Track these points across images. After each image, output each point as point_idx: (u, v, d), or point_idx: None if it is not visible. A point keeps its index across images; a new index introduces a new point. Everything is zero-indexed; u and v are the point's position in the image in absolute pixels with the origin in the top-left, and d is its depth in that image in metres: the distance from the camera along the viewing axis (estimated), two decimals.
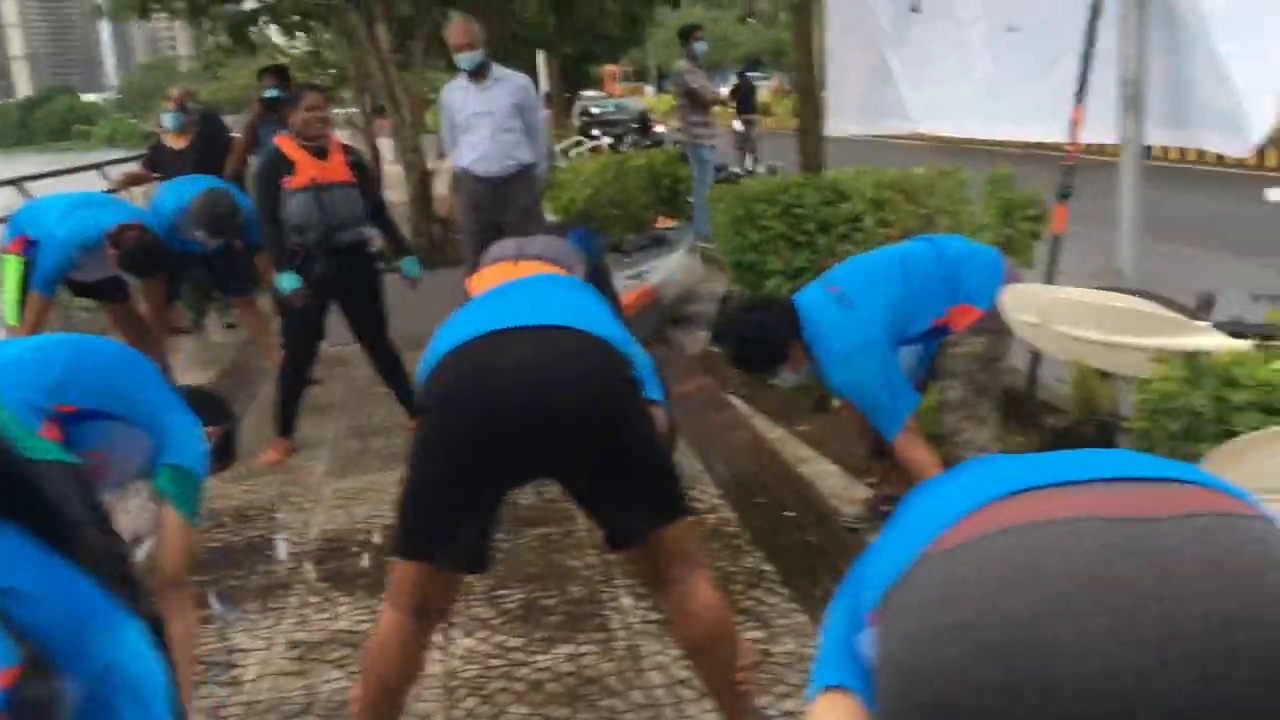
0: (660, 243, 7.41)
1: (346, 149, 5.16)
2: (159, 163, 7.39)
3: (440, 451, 2.17)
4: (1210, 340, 2.36)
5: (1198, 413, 2.28)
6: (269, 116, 7.36)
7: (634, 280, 6.72)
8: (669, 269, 6.70)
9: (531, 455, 2.16)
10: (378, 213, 5.16)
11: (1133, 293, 2.67)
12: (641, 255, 7.31)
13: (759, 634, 3.18)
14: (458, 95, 6.14)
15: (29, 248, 5.03)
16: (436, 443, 2.18)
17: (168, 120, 7.52)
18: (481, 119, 6.04)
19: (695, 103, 9.67)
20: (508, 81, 6.06)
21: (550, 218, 12.06)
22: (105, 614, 1.23)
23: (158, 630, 2.43)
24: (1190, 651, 0.96)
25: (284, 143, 4.99)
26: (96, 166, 7.92)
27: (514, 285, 2.50)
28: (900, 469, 3.38)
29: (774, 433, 4.93)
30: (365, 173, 5.16)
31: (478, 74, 6.02)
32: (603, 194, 9.79)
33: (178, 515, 2.56)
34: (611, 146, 14.96)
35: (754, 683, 2.54)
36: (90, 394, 2.45)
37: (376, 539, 4.12)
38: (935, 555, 1.05)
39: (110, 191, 7.61)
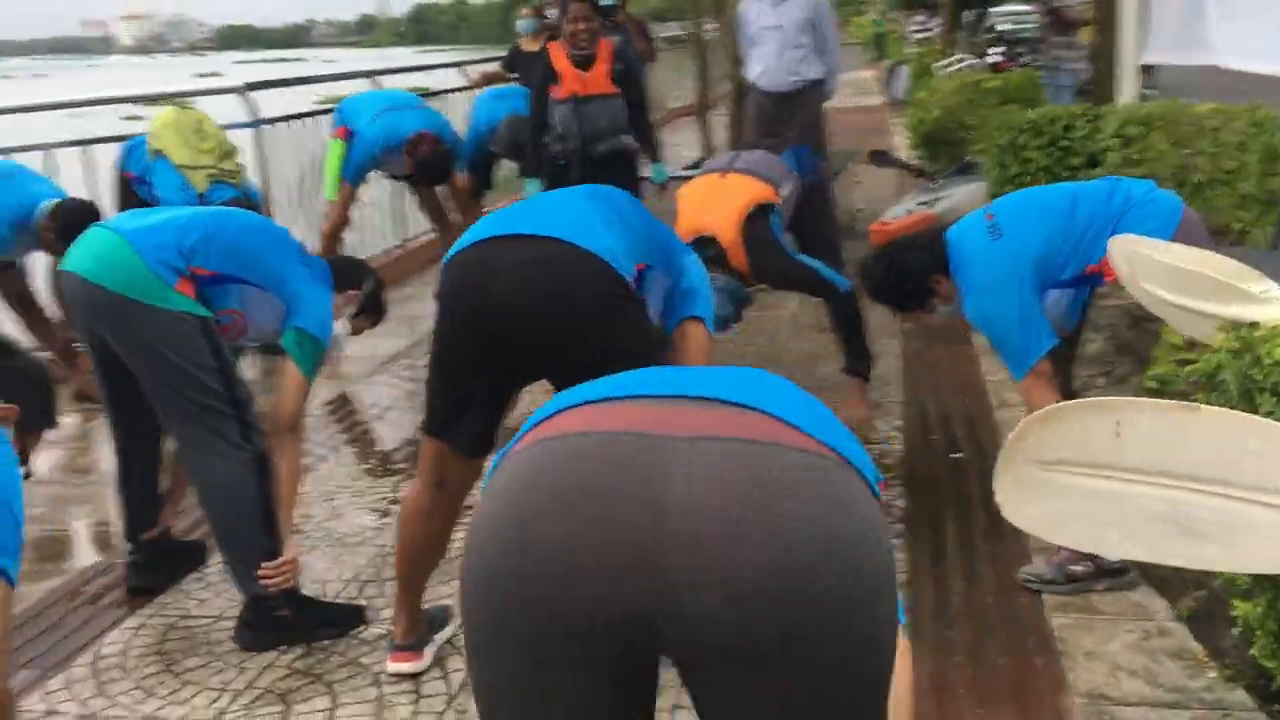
0: (968, 170, 7.13)
1: (617, 56, 5.39)
2: (515, 64, 8.03)
3: (440, 342, 2.42)
4: (1267, 312, 2.11)
5: (1228, 388, 2.08)
6: (602, 25, 7.73)
7: (922, 206, 6.56)
8: (959, 198, 6.47)
9: (510, 353, 2.35)
10: (636, 118, 5.37)
11: (1242, 257, 2.41)
12: (946, 182, 7.09)
13: None
14: (752, 8, 6.22)
15: (349, 137, 5.73)
16: (438, 334, 2.43)
17: (522, 25, 8.14)
18: (770, 33, 6.08)
19: (1059, 21, 9.06)
20: None
21: (901, 137, 11.81)
22: None
23: (263, 467, 2.90)
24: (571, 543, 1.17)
25: (554, 52, 5.33)
26: (457, 65, 8.67)
27: (545, 196, 2.67)
28: None
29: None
30: (631, 81, 5.39)
31: None
32: (953, 116, 9.46)
33: (297, 372, 2.98)
34: (995, 67, 14.21)
35: None
36: (225, 260, 2.91)
37: None
38: (510, 453, 1.24)
39: (468, 88, 8.35)
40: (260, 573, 2.89)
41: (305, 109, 6.38)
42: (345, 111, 5.82)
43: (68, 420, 4.83)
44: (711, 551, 1.13)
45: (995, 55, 16.19)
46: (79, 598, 3.26)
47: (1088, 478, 1.49)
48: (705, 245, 4.14)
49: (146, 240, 2.86)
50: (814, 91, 6.11)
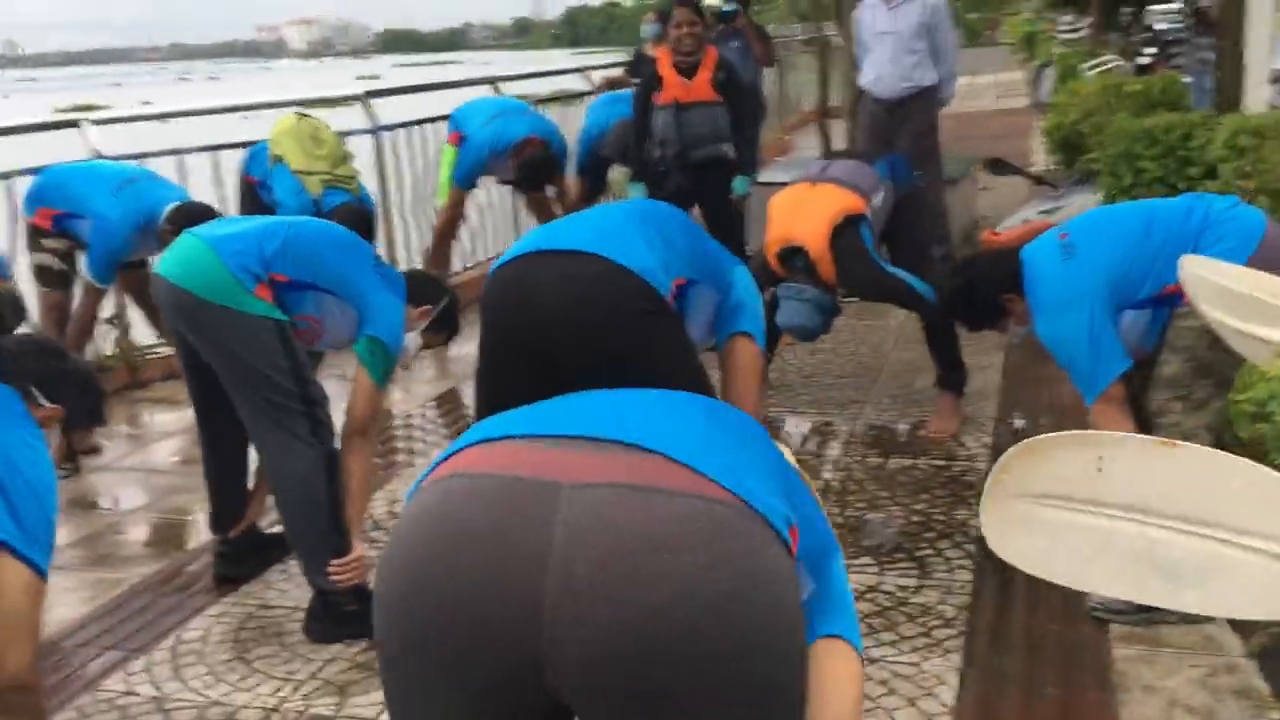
0: (1092, 179, 6.88)
1: (720, 64, 5.39)
2: (637, 70, 8.11)
3: (484, 355, 2.48)
4: None
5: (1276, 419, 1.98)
6: (722, 30, 7.74)
7: (1042, 215, 6.37)
8: (1078, 208, 6.25)
9: (549, 365, 2.39)
10: (736, 126, 5.37)
11: None
12: (1068, 191, 6.86)
13: (909, 581, 3.16)
14: (868, 13, 6.15)
15: (461, 143, 5.88)
16: (482, 346, 2.49)
17: (646, 30, 8.21)
18: (884, 39, 6.00)
19: (1202, 22, 8.67)
20: (918, 1, 5.94)
21: (1039, 140, 11.45)
22: None
23: (333, 465, 3.01)
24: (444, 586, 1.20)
25: (660, 58, 5.38)
26: (579, 70, 8.79)
27: (589, 212, 2.70)
28: None
29: None
30: (735, 89, 5.39)
31: None
32: (1091, 120, 9.15)
33: (368, 379, 3.08)
34: (1145, 69, 13.66)
35: None
36: (302, 268, 3.03)
37: None
38: (421, 486, 1.28)
39: (590, 93, 8.46)
40: (329, 568, 3.01)
41: (424, 115, 6.54)
42: (458, 117, 5.97)
43: (189, 413, 5.09)
44: (587, 609, 1.13)
45: (1146, 56, 15.60)
46: (170, 584, 3.44)
47: (1070, 512, 1.45)
48: (794, 255, 4.14)
49: (229, 247, 3.00)
50: (928, 98, 5.99)
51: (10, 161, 5.18)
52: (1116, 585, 1.48)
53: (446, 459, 1.30)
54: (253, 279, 2.97)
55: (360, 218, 4.93)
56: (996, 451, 4.10)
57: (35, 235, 4.67)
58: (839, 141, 8.75)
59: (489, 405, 2.54)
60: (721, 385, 2.62)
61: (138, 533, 3.92)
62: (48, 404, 1.92)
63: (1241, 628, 2.78)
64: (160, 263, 3.09)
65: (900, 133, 5.96)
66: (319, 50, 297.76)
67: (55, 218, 4.60)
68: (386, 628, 1.25)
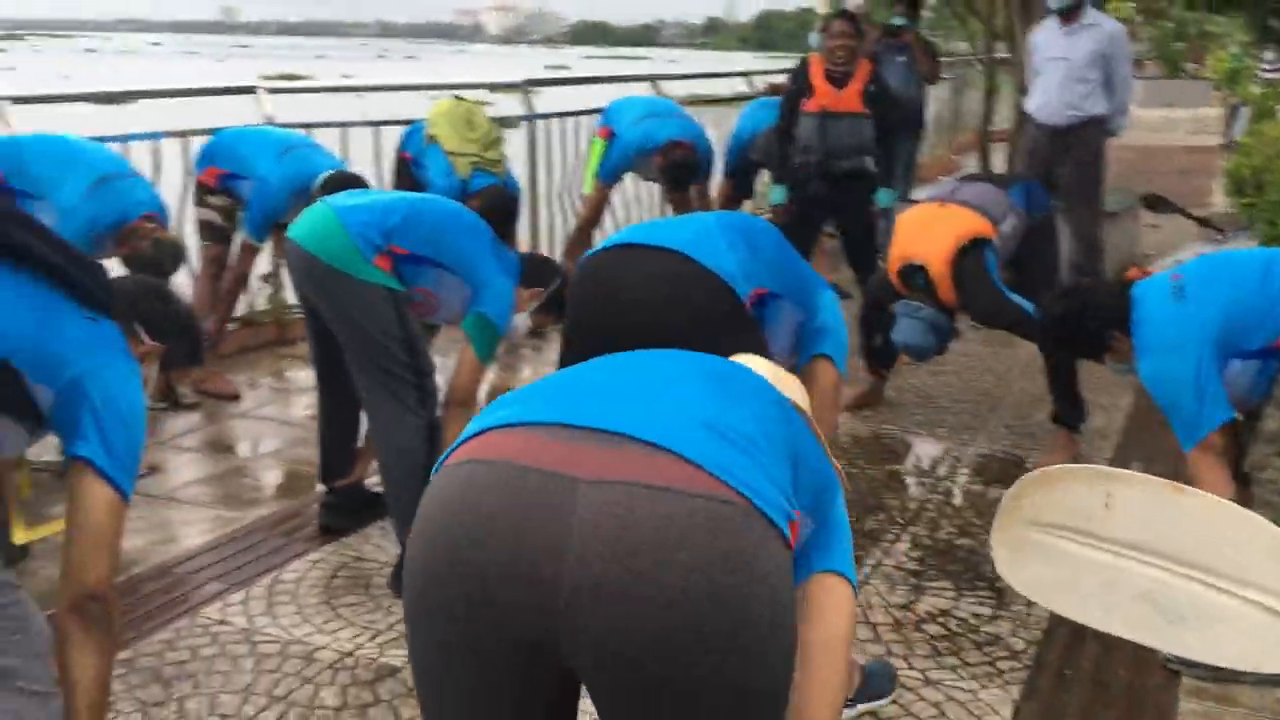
0: (1255, 224, 6.59)
1: (872, 78, 5.38)
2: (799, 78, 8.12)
3: (566, 341, 2.58)
4: None
5: None
6: (888, 42, 7.68)
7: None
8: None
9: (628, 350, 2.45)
10: (885, 140, 5.34)
11: None
12: (1234, 235, 6.59)
13: (984, 610, 3.13)
14: (1042, 37, 6.03)
15: (610, 138, 6.01)
16: (565, 333, 2.59)
17: (814, 39, 8.20)
18: (1056, 64, 5.87)
19: None
20: (1097, 28, 5.81)
21: (1220, 181, 10.95)
22: (90, 348, 1.87)
23: (434, 435, 3.17)
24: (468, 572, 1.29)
25: (813, 66, 5.40)
26: (743, 74, 8.83)
27: (683, 217, 2.76)
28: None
29: None
30: (884, 103, 5.36)
31: (1067, 16, 5.85)
32: (1275, 165, 8.74)
33: (472, 354, 3.23)
34: None
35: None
36: (421, 243, 3.19)
37: None
38: (444, 466, 1.37)
39: (753, 96, 8.51)
40: None
41: (579, 107, 6.70)
42: (610, 113, 6.10)
43: None
44: (602, 601, 1.23)
45: None
46: (279, 528, 3.66)
47: (1077, 545, 1.45)
48: (914, 274, 4.12)
49: (354, 217, 3.18)
50: (1094, 129, 5.82)
51: (190, 121, 5.53)
52: (1117, 622, 1.47)
53: (468, 440, 1.39)
54: (372, 249, 3.14)
55: (502, 201, 5.10)
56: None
57: (202, 192, 4.99)
58: (999, 166, 8.57)
59: None
60: None
61: (261, 477, 4.17)
62: (149, 342, 2.09)
63: None
64: (292, 227, 3.29)
65: (1062, 161, 5.82)
66: (512, 37, 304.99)
67: (220, 177, 4.90)
68: (412, 603, 1.35)
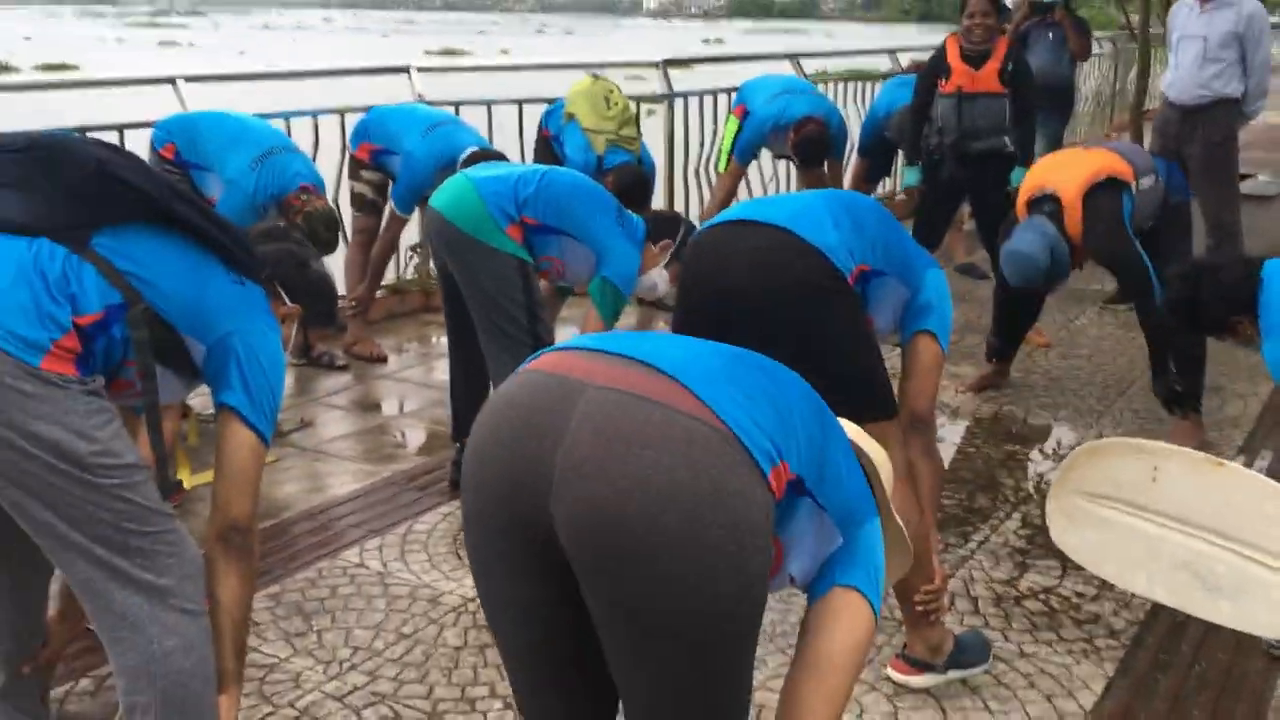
0: None
1: (1010, 56, 5.33)
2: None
3: (678, 311, 2.71)
4: None
5: None
6: (1038, 20, 7.54)
7: None
8: None
9: (727, 323, 2.56)
10: (1020, 120, 5.29)
11: None
12: None
13: (1089, 590, 3.16)
14: (1180, 14, 5.87)
15: (745, 116, 6.11)
16: (678, 303, 2.72)
17: None
18: (1190, 42, 5.71)
19: None
20: (1233, 7, 5.62)
21: None
22: (237, 308, 2.09)
23: None
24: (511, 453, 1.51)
25: (950, 46, 5.38)
26: (890, 52, 8.78)
27: (791, 195, 2.85)
28: None
29: None
30: (1022, 82, 5.31)
31: None
32: None
33: (597, 316, 3.42)
34: None
35: (936, 607, 2.69)
36: (550, 213, 3.39)
37: None
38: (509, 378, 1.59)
39: (899, 73, 8.46)
40: None
41: (718, 86, 6.80)
42: (745, 92, 6.20)
43: None
44: (582, 479, 1.42)
45: None
46: (413, 482, 3.91)
47: (1125, 515, 1.52)
48: (1043, 202, 4.10)
49: (490, 188, 3.40)
50: (1225, 110, 5.64)
51: (347, 99, 5.86)
52: (1159, 589, 1.54)
53: (533, 359, 1.64)
54: (506, 219, 3.35)
55: (636, 177, 5.27)
56: None
57: (355, 166, 5.30)
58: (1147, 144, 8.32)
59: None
60: (901, 378, 2.74)
61: (402, 435, 4.44)
62: (289, 303, 2.31)
63: None
64: (434, 196, 3.52)
65: (1190, 141, 5.67)
66: (670, 11, 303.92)
67: (373, 152, 5.19)
68: (464, 476, 1.58)
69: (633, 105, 5.74)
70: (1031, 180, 4.22)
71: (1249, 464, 4.09)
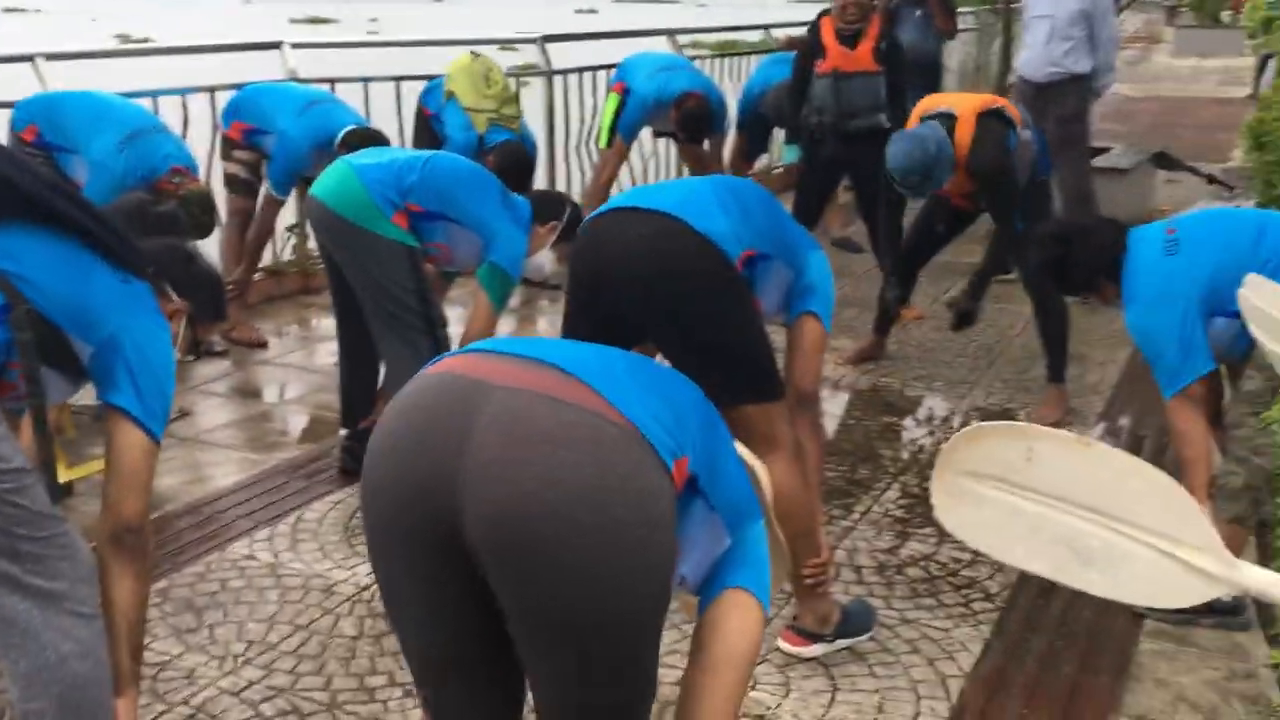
0: None
1: (882, 35, 5.46)
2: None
3: (568, 297, 2.74)
4: None
5: None
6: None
7: None
8: None
9: (622, 313, 2.62)
10: (894, 98, 5.43)
11: None
12: (1244, 191, 6.66)
13: (965, 555, 3.30)
14: None
15: (625, 93, 6.14)
16: (568, 291, 2.75)
17: None
18: (1041, 21, 5.97)
19: None
20: None
21: (1240, 137, 10.92)
22: (123, 306, 2.05)
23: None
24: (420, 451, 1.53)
25: (824, 26, 5.49)
26: (764, 27, 8.90)
27: (677, 181, 2.92)
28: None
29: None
30: (896, 59, 5.44)
31: None
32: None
33: (486, 300, 3.44)
34: None
35: (824, 580, 2.80)
36: (434, 199, 3.38)
37: None
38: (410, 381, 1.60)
39: (772, 51, 8.58)
40: None
41: (596, 62, 6.81)
42: (625, 69, 6.23)
43: None
44: (490, 477, 1.45)
45: None
46: (299, 471, 3.87)
47: (1003, 493, 1.62)
48: (938, 117, 4.26)
49: (373, 175, 3.37)
50: (1075, 86, 5.90)
51: (216, 76, 5.70)
52: (1037, 563, 1.65)
53: (434, 362, 1.65)
54: (391, 207, 3.33)
55: (518, 156, 5.26)
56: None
57: (228, 146, 5.17)
58: None
59: (570, 332, 2.81)
60: (786, 359, 2.82)
61: (286, 422, 4.39)
62: (177, 300, 2.28)
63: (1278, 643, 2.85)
64: (315, 185, 3.47)
65: (1045, 115, 5.90)
66: None
67: (245, 132, 5.07)
68: (365, 477, 1.59)
69: (513, 83, 5.71)
70: (927, 103, 4.37)
71: (1111, 428, 4.32)
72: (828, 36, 5.44)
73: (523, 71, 6.87)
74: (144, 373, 2.04)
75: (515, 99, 5.63)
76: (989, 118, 4.23)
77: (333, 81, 5.87)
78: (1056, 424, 4.29)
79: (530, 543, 1.44)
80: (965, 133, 4.18)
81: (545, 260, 3.64)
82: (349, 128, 4.93)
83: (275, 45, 5.96)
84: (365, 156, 3.52)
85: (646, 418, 1.52)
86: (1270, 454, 2.92)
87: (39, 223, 1.96)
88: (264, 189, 5.12)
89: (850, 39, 5.39)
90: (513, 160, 5.15)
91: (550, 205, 3.65)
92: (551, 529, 1.43)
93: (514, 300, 5.98)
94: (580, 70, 6.77)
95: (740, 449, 1.78)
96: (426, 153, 3.66)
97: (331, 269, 3.57)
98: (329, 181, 3.43)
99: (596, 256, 2.63)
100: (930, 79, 7.87)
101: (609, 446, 1.47)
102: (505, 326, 5.65)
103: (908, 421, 4.42)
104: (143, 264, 2.10)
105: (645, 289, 2.57)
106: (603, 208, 2.72)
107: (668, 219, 2.57)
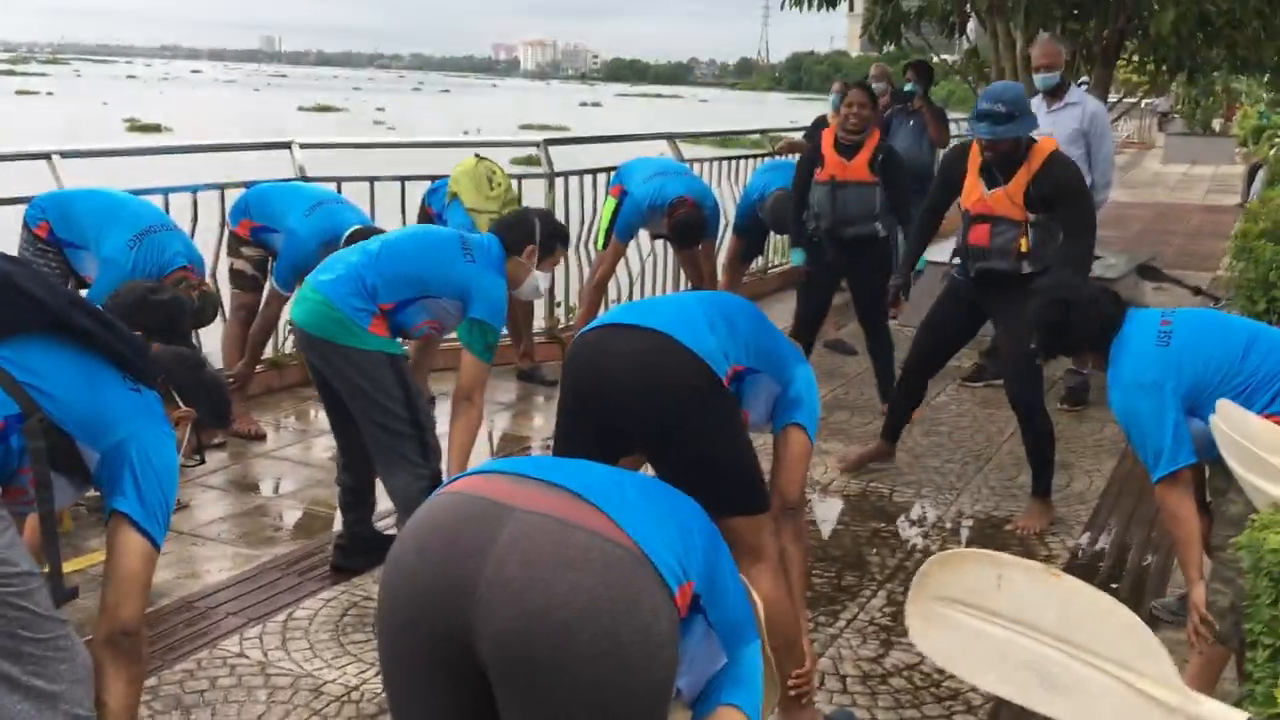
0: None
1: (879, 147, 5.63)
2: (813, 136, 8.41)
3: (561, 408, 2.83)
4: None
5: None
6: (899, 107, 7.95)
7: None
8: None
9: (610, 427, 2.71)
10: (896, 207, 5.59)
11: None
12: (1229, 304, 6.77)
13: None
14: None
15: (622, 196, 6.30)
16: (560, 403, 2.84)
17: (832, 101, 8.49)
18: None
19: None
20: (1078, 107, 6.06)
21: (1228, 243, 11.11)
22: (132, 415, 2.14)
23: (437, 484, 3.43)
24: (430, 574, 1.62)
25: (825, 136, 5.68)
26: (762, 131, 9.13)
27: (667, 296, 3.03)
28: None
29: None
30: (892, 170, 5.61)
31: (1051, 94, 6.10)
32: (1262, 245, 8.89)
33: (471, 358, 3.55)
34: None
35: (807, 690, 2.83)
36: (402, 288, 3.48)
37: None
38: (429, 498, 1.69)
39: (774, 155, 8.79)
40: None
41: (596, 165, 6.99)
42: (622, 172, 6.40)
43: None
44: (504, 595, 1.54)
45: None
46: (293, 567, 3.91)
47: (974, 619, 1.68)
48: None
49: (337, 291, 3.47)
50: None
51: (227, 174, 5.86)
52: (1005, 687, 1.70)
53: (452, 481, 1.74)
54: (365, 315, 3.44)
55: None
56: (1076, 556, 4.22)
57: (235, 243, 5.30)
58: None
59: (566, 454, 2.89)
60: (772, 469, 2.90)
61: (280, 516, 4.43)
62: (183, 406, 2.36)
63: None
64: (292, 309, 3.60)
65: None
66: (547, 72, 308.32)
67: (254, 229, 5.21)
68: (384, 587, 1.67)
69: (514, 185, 5.87)
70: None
71: (1094, 538, 4.37)
72: (827, 146, 5.63)
73: (525, 170, 7.04)
74: (148, 479, 2.11)
75: (517, 201, 5.77)
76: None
77: (339, 180, 6.02)
78: (1040, 534, 4.37)
79: (539, 659, 1.52)
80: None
81: (541, 281, 3.76)
82: (354, 227, 5.05)
83: (285, 145, 6.12)
84: (324, 272, 3.57)
85: (655, 542, 1.61)
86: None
87: (54, 333, 2.05)
88: (269, 285, 5.24)
89: (848, 150, 5.57)
90: None
91: (519, 230, 3.72)
92: (560, 647, 1.52)
93: (510, 396, 6.09)
94: (581, 173, 6.94)
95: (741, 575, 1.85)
96: (376, 243, 3.69)
97: (319, 378, 3.66)
98: (302, 307, 3.54)
99: (589, 370, 2.72)
100: (925, 186, 8.07)
101: (618, 570, 1.56)
102: (501, 422, 5.74)
103: (895, 527, 4.47)
104: (154, 373, 2.18)
105: (636, 402, 2.65)
106: (595, 323, 2.82)
107: (659, 336, 2.67)
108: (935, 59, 9.30)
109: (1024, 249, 4.40)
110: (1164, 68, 8.99)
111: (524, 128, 32.75)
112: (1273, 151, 15.55)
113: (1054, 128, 6.05)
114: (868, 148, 5.58)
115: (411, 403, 3.45)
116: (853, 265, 5.65)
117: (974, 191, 4.53)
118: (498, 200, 5.64)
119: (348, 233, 4.99)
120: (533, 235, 3.71)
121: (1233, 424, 2.46)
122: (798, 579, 2.88)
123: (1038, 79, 6.09)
